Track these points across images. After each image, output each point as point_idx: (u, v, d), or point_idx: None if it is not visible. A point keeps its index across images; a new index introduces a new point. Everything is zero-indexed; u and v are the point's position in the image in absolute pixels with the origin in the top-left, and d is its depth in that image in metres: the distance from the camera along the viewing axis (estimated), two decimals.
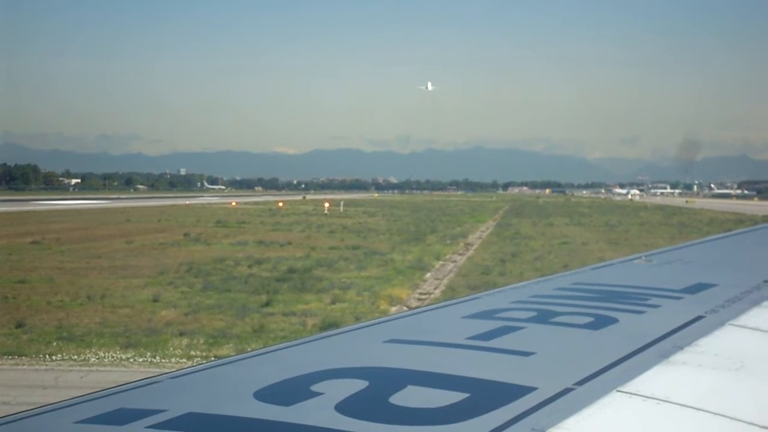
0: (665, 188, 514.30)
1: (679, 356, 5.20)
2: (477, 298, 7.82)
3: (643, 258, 10.95)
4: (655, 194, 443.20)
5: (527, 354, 5.18)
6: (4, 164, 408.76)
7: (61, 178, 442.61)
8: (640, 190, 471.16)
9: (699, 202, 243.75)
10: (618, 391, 4.39)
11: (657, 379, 4.70)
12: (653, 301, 7.25)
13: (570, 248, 69.87)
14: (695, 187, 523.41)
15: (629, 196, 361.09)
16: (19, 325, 32.81)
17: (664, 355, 5.18)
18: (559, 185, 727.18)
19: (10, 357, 28.30)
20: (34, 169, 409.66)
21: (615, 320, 6.26)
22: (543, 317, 6.40)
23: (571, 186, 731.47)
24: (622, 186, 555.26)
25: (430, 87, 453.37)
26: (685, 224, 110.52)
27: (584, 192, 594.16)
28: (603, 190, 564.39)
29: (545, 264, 54.30)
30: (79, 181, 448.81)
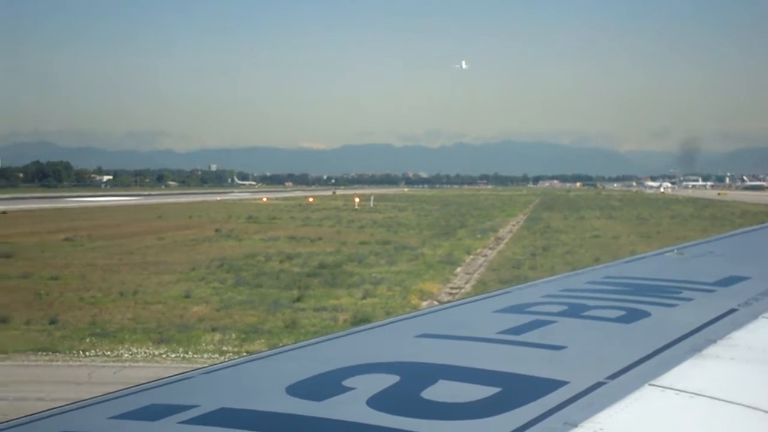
0: (697, 181, 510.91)
1: (711, 349, 5.17)
2: (508, 292, 7.81)
3: (675, 251, 10.88)
4: (686, 187, 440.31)
5: (559, 348, 5.16)
6: (37, 162, 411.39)
7: (92, 175, 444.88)
8: (672, 183, 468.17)
9: (731, 195, 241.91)
10: (650, 384, 4.38)
11: (690, 372, 4.67)
12: (685, 294, 7.21)
13: (601, 242, 69.57)
14: (727, 180, 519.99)
15: (661, 189, 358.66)
16: (53, 322, 33.06)
17: (697, 349, 5.15)
18: (589, 178, 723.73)
19: (44, 353, 28.52)
20: (66, 166, 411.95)
21: (647, 314, 6.23)
22: (574, 311, 6.38)
23: (602, 179, 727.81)
24: (653, 179, 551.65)
25: (464, 65, 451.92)
26: (717, 217, 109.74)
27: (615, 185, 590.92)
28: (634, 183, 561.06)
29: (576, 258, 54.09)
30: (110, 177, 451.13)
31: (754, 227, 17.13)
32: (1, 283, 43.91)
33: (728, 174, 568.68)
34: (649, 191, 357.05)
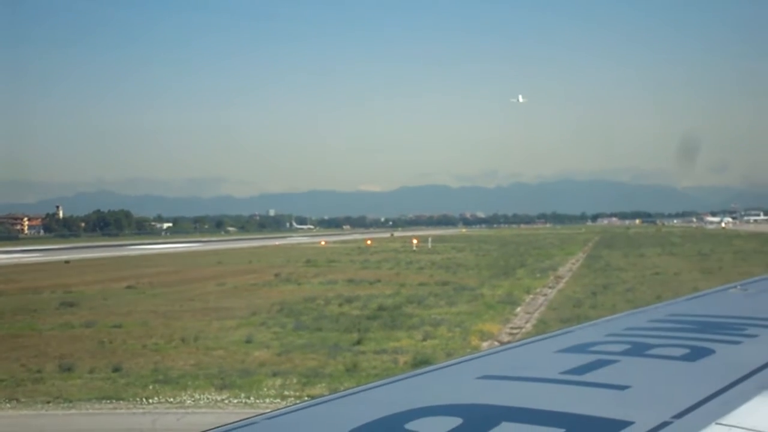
0: (758, 215, 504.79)
1: None
2: (569, 331, 7.75)
3: (738, 287, 10.75)
4: (748, 221, 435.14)
5: (623, 387, 5.11)
6: (98, 210, 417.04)
7: (152, 223, 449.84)
8: (733, 218, 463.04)
9: None
10: (717, 423, 4.31)
11: (758, 410, 4.60)
12: (750, 330, 7.11)
13: (662, 279, 68.88)
14: None
15: (722, 224, 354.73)
16: (116, 369, 33.36)
17: (764, 386, 5.07)
18: (648, 215, 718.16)
19: (108, 401, 28.75)
20: (127, 214, 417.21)
21: (711, 351, 6.15)
22: (637, 350, 6.31)
23: (662, 215, 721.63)
24: (714, 214, 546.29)
25: (521, 99, 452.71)
26: None
27: (675, 221, 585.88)
28: (695, 219, 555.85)
29: (637, 295, 53.58)
30: (170, 224, 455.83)
31: None
32: (65, 332, 44.50)
33: None
34: (710, 227, 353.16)
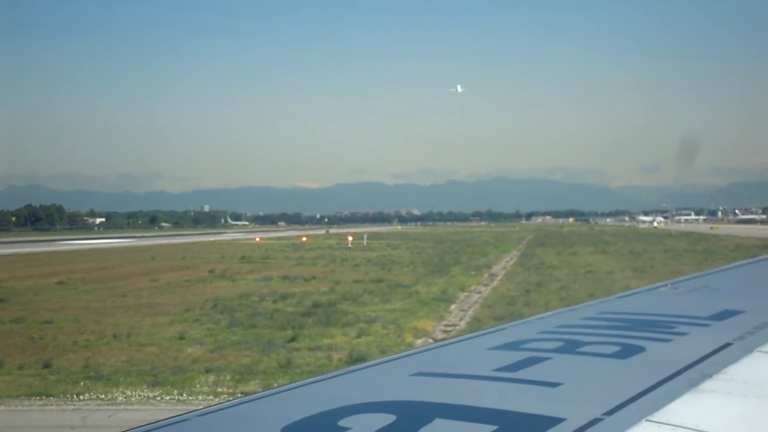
0: (690, 215, 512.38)
1: (707, 384, 5.16)
2: (503, 329, 7.79)
3: (669, 285, 10.87)
4: (679, 221, 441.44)
5: (555, 385, 5.14)
6: (29, 205, 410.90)
7: (85, 218, 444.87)
8: (665, 218, 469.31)
9: (724, 229, 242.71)
10: (647, 420, 4.36)
11: (686, 407, 4.65)
12: (680, 329, 7.20)
13: (595, 277, 69.54)
14: (720, 214, 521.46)
15: (654, 224, 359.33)
16: (46, 366, 32.91)
17: (693, 384, 5.13)
18: (582, 214, 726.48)
19: (38, 398, 28.36)
20: (59, 209, 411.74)
21: (642, 349, 6.21)
22: (570, 347, 6.36)
23: (595, 214, 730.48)
24: (646, 213, 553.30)
25: (459, 89, 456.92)
26: (711, 251, 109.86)
27: (608, 220, 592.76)
28: (627, 218, 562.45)
29: (570, 293, 54.07)
30: (103, 220, 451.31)
31: (748, 261, 17.13)
32: None
33: (721, 208, 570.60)
34: (642, 226, 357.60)
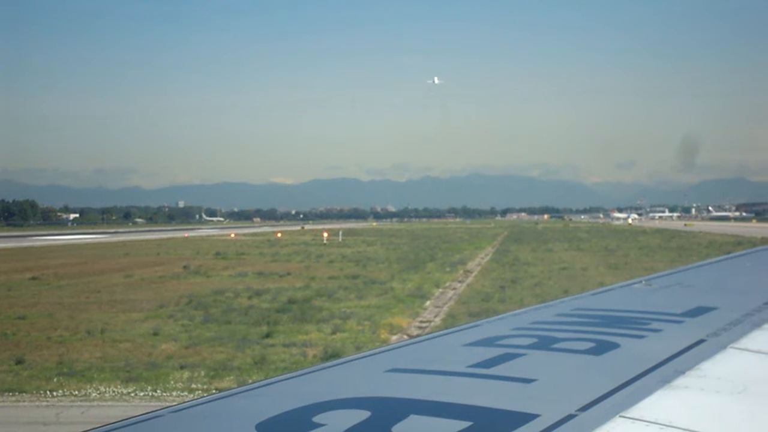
0: (663, 212, 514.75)
1: (681, 380, 5.19)
2: (477, 325, 7.80)
3: (643, 282, 10.93)
4: (653, 218, 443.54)
5: (529, 381, 5.16)
6: (2, 200, 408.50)
7: (59, 213, 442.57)
8: (639, 214, 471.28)
9: (697, 225, 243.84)
10: (621, 416, 4.38)
11: (660, 403, 4.68)
12: (654, 325, 7.23)
13: (570, 273, 69.71)
14: (693, 210, 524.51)
15: (629, 220, 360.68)
16: (19, 362, 32.70)
17: (667, 380, 5.16)
18: (557, 210, 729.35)
19: (10, 394, 28.17)
20: (32, 204, 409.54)
21: (616, 345, 6.24)
22: (544, 343, 6.38)
23: (570, 211, 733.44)
24: (620, 210, 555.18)
25: (436, 81, 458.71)
26: (684, 247, 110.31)
27: (583, 217, 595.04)
28: (601, 215, 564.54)
29: (545, 290, 54.19)
30: (77, 215, 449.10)
31: (721, 258, 17.24)
32: None
33: (694, 205, 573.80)
34: (616, 222, 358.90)
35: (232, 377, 29.75)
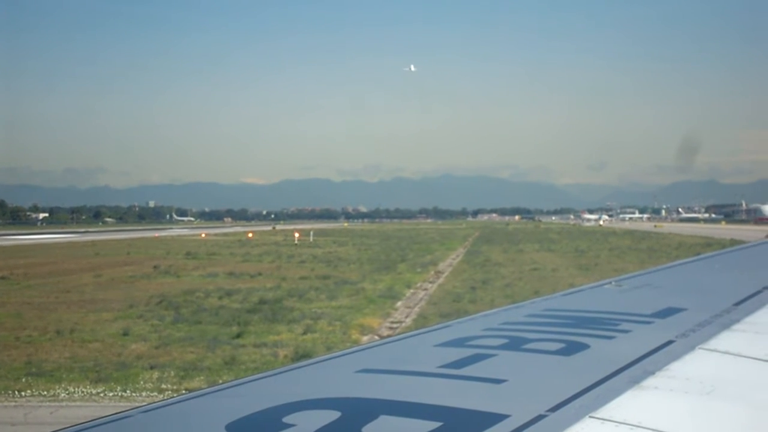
0: (634, 213, 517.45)
1: (650, 381, 5.21)
2: (448, 326, 7.81)
3: (613, 283, 10.96)
4: (623, 219, 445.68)
5: (499, 381, 5.16)
6: None
7: (28, 213, 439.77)
8: (609, 216, 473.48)
9: (667, 227, 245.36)
10: (590, 417, 4.39)
11: (629, 404, 4.70)
12: (624, 326, 7.26)
13: (540, 274, 69.93)
14: (663, 212, 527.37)
15: (601, 222, 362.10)
16: None
17: (636, 380, 5.18)
18: (528, 211, 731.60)
19: None
20: (1, 203, 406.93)
21: (586, 346, 6.26)
22: (514, 344, 6.39)
23: (540, 212, 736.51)
24: (590, 211, 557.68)
25: (413, 69, 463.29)
26: (654, 249, 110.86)
27: (553, 218, 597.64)
28: (572, 216, 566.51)
29: (516, 290, 54.34)
30: (46, 215, 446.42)
31: (690, 259, 17.34)
32: None
33: (664, 206, 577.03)
34: (587, 224, 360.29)
35: (202, 377, 29.66)
